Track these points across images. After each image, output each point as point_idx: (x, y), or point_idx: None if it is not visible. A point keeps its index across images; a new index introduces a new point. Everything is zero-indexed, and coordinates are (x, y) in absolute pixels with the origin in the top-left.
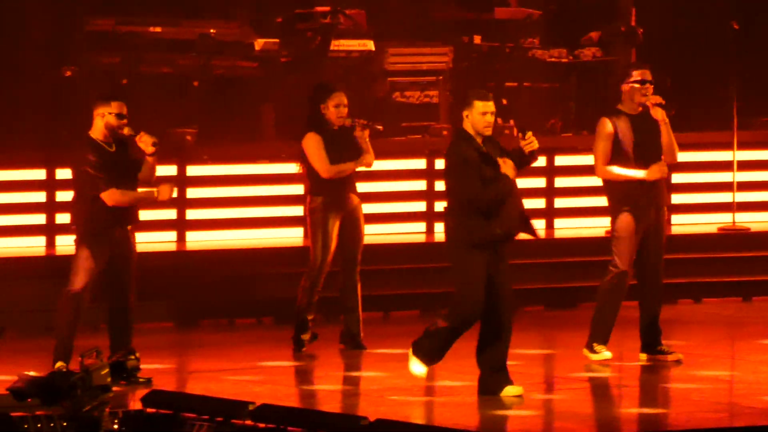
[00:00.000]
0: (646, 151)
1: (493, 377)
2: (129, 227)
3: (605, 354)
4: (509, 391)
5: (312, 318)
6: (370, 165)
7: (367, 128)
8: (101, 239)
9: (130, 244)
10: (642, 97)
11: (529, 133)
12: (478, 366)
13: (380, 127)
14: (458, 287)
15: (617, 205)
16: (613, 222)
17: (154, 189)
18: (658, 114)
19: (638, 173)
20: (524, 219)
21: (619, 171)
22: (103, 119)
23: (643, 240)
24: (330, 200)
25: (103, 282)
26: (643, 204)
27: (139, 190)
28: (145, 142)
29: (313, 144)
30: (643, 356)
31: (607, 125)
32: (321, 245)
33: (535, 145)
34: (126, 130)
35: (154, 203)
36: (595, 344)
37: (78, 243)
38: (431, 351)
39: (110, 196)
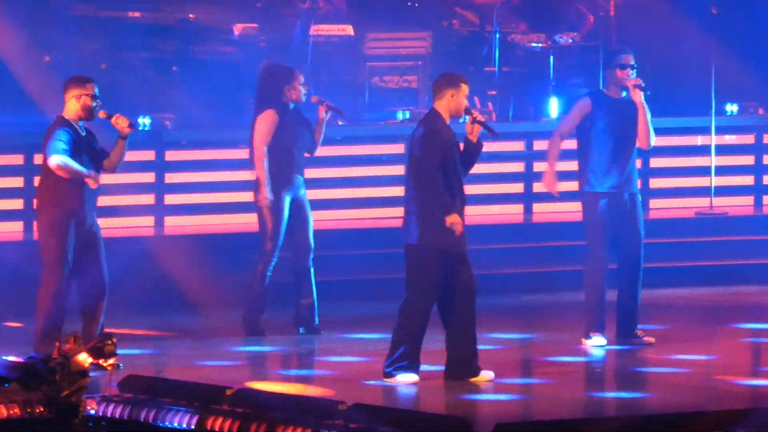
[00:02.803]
0: (621, 137)
1: (461, 363)
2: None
3: (599, 339)
4: (482, 377)
5: (263, 303)
6: (315, 151)
7: (332, 110)
8: (70, 222)
9: (97, 228)
10: (623, 81)
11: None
12: (447, 353)
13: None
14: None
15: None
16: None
17: (91, 173)
18: (637, 96)
19: (549, 170)
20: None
21: (549, 151)
22: (80, 101)
23: (619, 224)
24: (279, 182)
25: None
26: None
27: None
28: (121, 124)
29: (267, 120)
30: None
31: (585, 103)
32: (272, 228)
33: (480, 116)
34: (101, 113)
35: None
36: (591, 332)
37: (45, 228)
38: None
39: (57, 161)
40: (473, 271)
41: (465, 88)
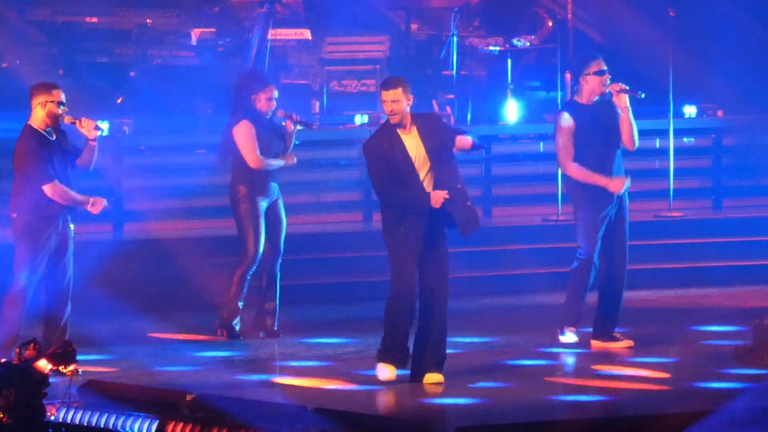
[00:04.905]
0: (604, 140)
1: (420, 364)
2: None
3: (571, 337)
4: (429, 378)
5: (241, 306)
6: (292, 162)
7: (299, 124)
8: (47, 228)
9: (71, 234)
10: (602, 87)
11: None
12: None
13: (317, 124)
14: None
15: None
16: (575, 212)
17: (90, 199)
18: (622, 101)
19: (602, 180)
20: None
21: (584, 173)
22: (45, 108)
23: (608, 229)
24: (257, 190)
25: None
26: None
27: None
28: (87, 127)
29: (245, 132)
30: (595, 343)
31: (567, 119)
32: (254, 235)
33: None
34: (67, 119)
35: (83, 208)
36: (565, 327)
37: (20, 235)
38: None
39: (53, 190)
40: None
41: (382, 94)
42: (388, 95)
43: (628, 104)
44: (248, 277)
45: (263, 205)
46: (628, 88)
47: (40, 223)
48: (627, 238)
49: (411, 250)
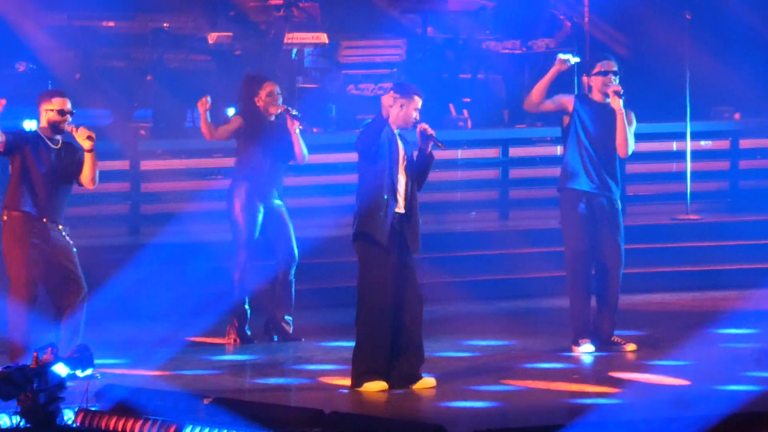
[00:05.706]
0: (603, 141)
1: (405, 371)
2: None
3: (587, 346)
4: (424, 383)
5: (249, 309)
6: (302, 160)
7: (295, 119)
8: (31, 229)
9: (65, 238)
10: (605, 87)
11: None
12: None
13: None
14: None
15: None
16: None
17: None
18: (616, 104)
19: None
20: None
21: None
22: (45, 115)
23: (598, 229)
24: (255, 189)
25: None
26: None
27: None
28: (81, 136)
29: (230, 122)
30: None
31: (569, 97)
32: (246, 234)
33: (429, 129)
34: (68, 127)
35: None
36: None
37: (7, 237)
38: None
39: None
40: (450, 278)
41: (417, 101)
42: (420, 103)
43: (621, 107)
44: (246, 279)
45: (260, 206)
46: (622, 92)
47: (24, 223)
48: (621, 242)
49: (389, 262)
